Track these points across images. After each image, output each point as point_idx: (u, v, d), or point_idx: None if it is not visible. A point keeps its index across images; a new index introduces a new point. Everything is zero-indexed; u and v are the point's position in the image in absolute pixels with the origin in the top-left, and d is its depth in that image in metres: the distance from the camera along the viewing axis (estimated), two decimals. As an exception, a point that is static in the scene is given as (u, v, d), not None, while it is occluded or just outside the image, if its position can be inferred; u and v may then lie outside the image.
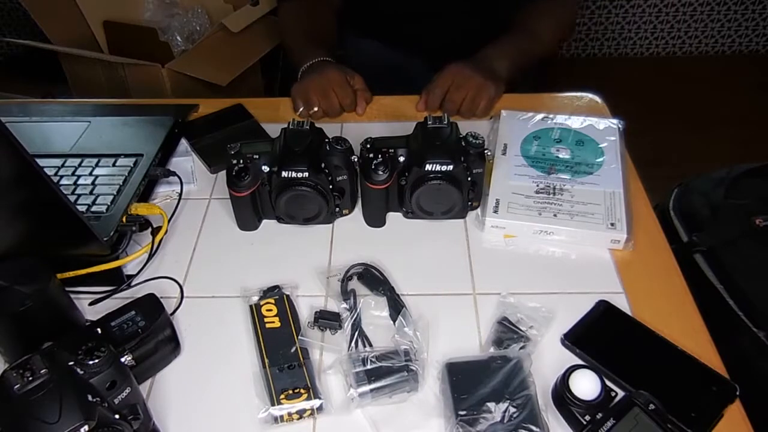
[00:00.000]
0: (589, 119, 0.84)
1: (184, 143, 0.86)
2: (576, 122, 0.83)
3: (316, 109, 0.88)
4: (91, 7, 1.65)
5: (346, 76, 0.91)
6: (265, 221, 0.75)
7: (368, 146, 0.72)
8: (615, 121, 0.84)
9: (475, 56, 0.93)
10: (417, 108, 0.92)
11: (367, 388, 0.55)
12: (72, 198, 0.72)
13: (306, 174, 0.68)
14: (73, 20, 1.65)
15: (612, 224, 0.70)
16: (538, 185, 0.74)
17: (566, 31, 1.06)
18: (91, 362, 0.49)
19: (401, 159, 0.71)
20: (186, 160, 0.83)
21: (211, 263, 0.71)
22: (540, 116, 0.84)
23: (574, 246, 0.71)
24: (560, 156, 0.78)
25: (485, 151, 0.71)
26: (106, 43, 1.70)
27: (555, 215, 0.71)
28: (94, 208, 0.71)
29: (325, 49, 0.98)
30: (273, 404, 0.56)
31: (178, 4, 1.68)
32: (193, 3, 1.69)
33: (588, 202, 0.72)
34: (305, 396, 0.56)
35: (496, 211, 0.72)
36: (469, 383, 0.54)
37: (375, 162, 0.69)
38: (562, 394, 0.54)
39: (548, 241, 0.71)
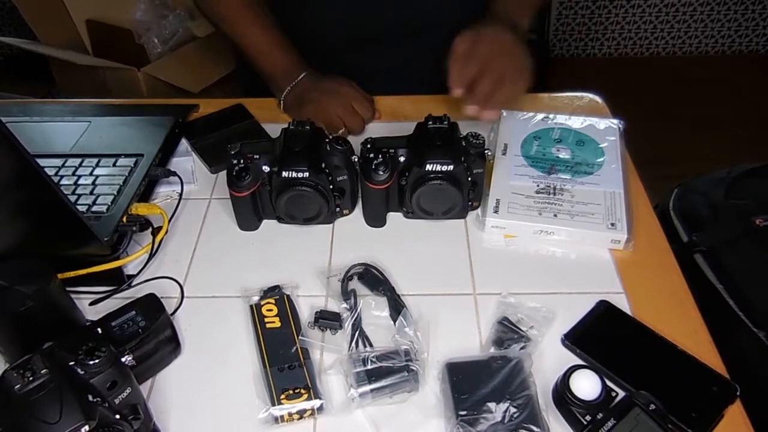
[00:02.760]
0: (589, 119, 0.83)
1: (184, 143, 0.86)
2: (576, 122, 0.83)
3: (342, 130, 0.84)
4: (78, 6, 1.67)
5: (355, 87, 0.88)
6: (265, 221, 0.75)
7: (368, 146, 0.72)
8: (615, 121, 0.84)
9: (492, 17, 0.80)
10: (450, 89, 0.74)
11: (367, 388, 0.55)
12: (72, 198, 0.72)
13: (306, 174, 0.68)
14: (61, 20, 1.67)
15: (612, 224, 0.70)
16: (538, 185, 0.74)
17: None
18: (91, 362, 0.49)
19: (401, 159, 0.71)
20: (186, 160, 0.83)
21: (212, 263, 0.71)
22: (540, 116, 0.84)
23: (574, 246, 0.70)
24: (560, 156, 0.78)
25: (485, 151, 0.71)
26: (90, 43, 1.72)
27: (555, 215, 0.71)
28: (94, 208, 0.71)
29: (297, 52, 0.89)
30: (273, 404, 0.55)
31: (168, 5, 1.69)
32: (180, 5, 1.70)
33: (588, 202, 0.72)
34: (305, 396, 0.56)
35: (496, 211, 0.72)
36: (469, 383, 0.54)
37: (375, 162, 0.69)
38: (562, 394, 0.54)
39: (548, 241, 0.71)
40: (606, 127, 0.82)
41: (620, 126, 0.83)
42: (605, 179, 0.75)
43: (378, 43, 0.94)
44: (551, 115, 0.84)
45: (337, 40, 0.94)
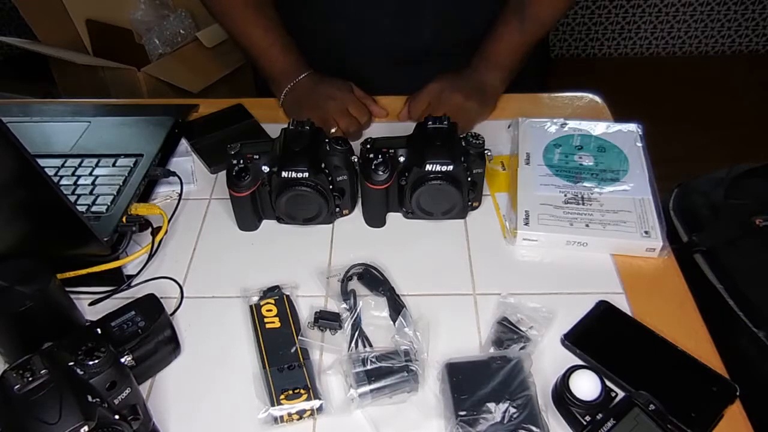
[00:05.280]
0: (607, 124, 0.82)
1: (184, 143, 0.86)
2: (595, 128, 0.81)
3: (334, 130, 0.85)
4: (78, 6, 1.67)
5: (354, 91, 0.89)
6: (265, 221, 0.75)
7: (368, 146, 0.72)
8: (634, 126, 0.82)
9: (465, 69, 0.88)
10: (399, 116, 0.88)
11: (367, 388, 0.55)
12: (72, 198, 0.72)
13: (306, 174, 0.68)
14: (61, 20, 1.68)
15: (646, 232, 0.68)
16: (566, 195, 0.73)
17: (569, 2, 0.90)
18: (91, 362, 0.49)
19: (401, 159, 0.71)
20: (186, 160, 0.83)
21: (211, 263, 0.71)
22: (558, 123, 0.83)
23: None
24: (584, 164, 0.77)
25: (485, 152, 0.71)
26: (90, 43, 1.73)
27: (587, 225, 0.69)
28: (94, 209, 0.71)
29: (297, 53, 0.90)
30: (273, 404, 0.56)
31: (169, 6, 1.69)
32: (180, 5, 1.71)
33: (619, 209, 0.71)
34: (305, 396, 0.56)
35: (527, 224, 0.70)
36: (469, 383, 0.54)
37: (375, 162, 0.69)
38: (562, 394, 0.54)
39: (580, 251, 0.70)
40: (626, 131, 0.81)
41: (640, 131, 0.81)
42: (632, 186, 0.74)
43: (384, 64, 0.94)
44: (568, 121, 0.83)
45: (346, 56, 0.95)
